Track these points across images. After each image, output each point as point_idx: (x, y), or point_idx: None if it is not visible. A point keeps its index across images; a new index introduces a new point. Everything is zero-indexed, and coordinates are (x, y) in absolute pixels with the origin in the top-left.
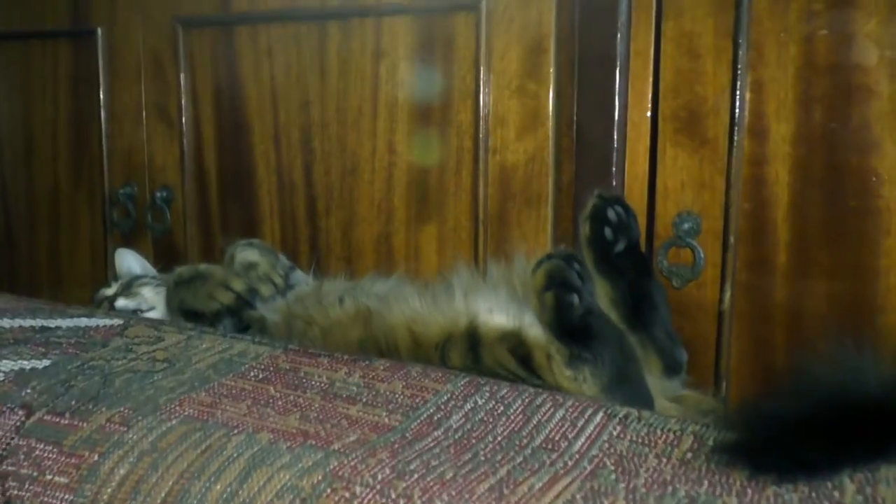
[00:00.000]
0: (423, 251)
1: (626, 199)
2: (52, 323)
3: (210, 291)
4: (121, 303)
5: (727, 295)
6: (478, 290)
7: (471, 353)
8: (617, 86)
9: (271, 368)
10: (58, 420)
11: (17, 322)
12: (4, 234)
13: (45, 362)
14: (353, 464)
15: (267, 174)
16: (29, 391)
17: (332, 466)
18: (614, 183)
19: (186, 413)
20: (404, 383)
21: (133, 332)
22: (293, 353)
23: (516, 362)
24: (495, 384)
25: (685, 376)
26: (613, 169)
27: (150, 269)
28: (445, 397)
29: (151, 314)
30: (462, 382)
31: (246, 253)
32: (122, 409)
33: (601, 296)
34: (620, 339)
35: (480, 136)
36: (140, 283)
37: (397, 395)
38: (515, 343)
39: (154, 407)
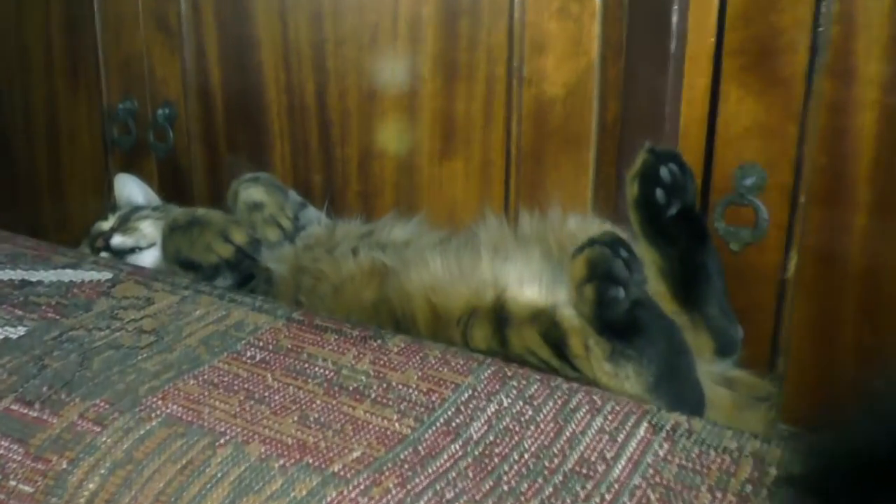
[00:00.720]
0: (448, 189)
1: (680, 145)
2: (33, 276)
3: (208, 242)
4: (117, 240)
5: (792, 262)
6: (507, 251)
7: (497, 334)
8: (675, 10)
9: (271, 346)
10: (26, 412)
11: None
12: (2, 148)
13: (21, 330)
14: (353, 496)
15: (276, 95)
16: None
17: (329, 499)
18: (666, 126)
19: (169, 410)
20: (420, 374)
21: (121, 290)
22: (296, 325)
23: (549, 349)
24: (524, 378)
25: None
26: (666, 109)
27: (154, 197)
28: (466, 394)
29: (151, 252)
30: (486, 374)
31: (251, 191)
32: (97, 400)
33: (648, 264)
34: (671, 332)
35: (514, 63)
36: (139, 217)
37: (411, 391)
38: (548, 325)
39: (133, 399)
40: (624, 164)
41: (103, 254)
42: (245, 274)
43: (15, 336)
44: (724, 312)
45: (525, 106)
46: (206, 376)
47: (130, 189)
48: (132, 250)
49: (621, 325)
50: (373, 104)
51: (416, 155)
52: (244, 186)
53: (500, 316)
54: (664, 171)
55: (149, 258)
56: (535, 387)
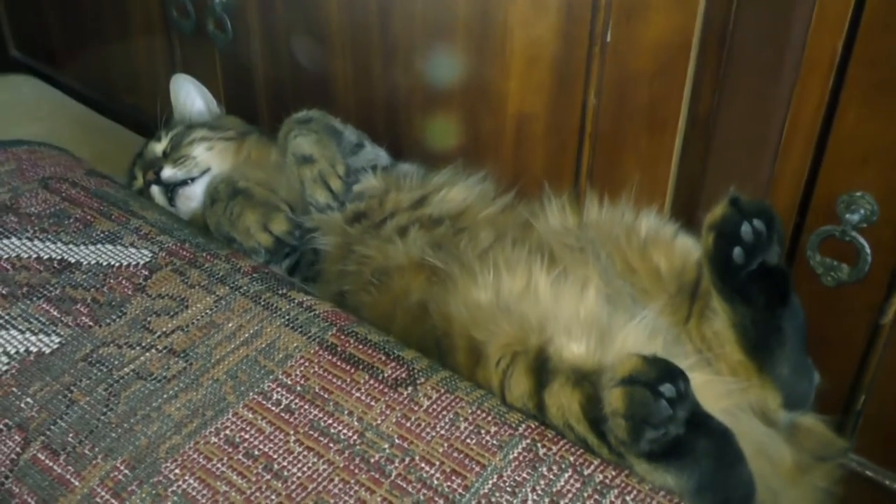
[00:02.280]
0: (518, 145)
1: (780, 161)
2: (73, 254)
3: (247, 227)
4: (168, 173)
5: (893, 307)
6: (563, 260)
7: (535, 395)
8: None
9: (299, 387)
10: (52, 465)
11: (36, 248)
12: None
13: (55, 341)
14: None
15: (338, 10)
16: (29, 401)
17: None
18: (767, 135)
19: (185, 486)
20: (446, 445)
21: (156, 283)
22: (329, 354)
23: (588, 425)
24: (555, 463)
25: None
26: (770, 113)
27: (212, 101)
28: (490, 483)
29: (202, 180)
30: (516, 453)
31: (300, 141)
32: (118, 461)
33: (718, 312)
34: (720, 447)
35: (597, 27)
36: (192, 140)
37: (434, 472)
38: (590, 398)
39: (153, 464)
40: (714, 167)
41: (154, 188)
42: (287, 255)
43: (48, 350)
44: (799, 372)
45: (606, 77)
46: (229, 431)
47: (187, 92)
48: (184, 182)
49: (661, 455)
50: (440, 37)
51: (482, 101)
52: (294, 133)
53: (541, 370)
54: (746, 229)
55: (200, 188)
56: (567, 476)
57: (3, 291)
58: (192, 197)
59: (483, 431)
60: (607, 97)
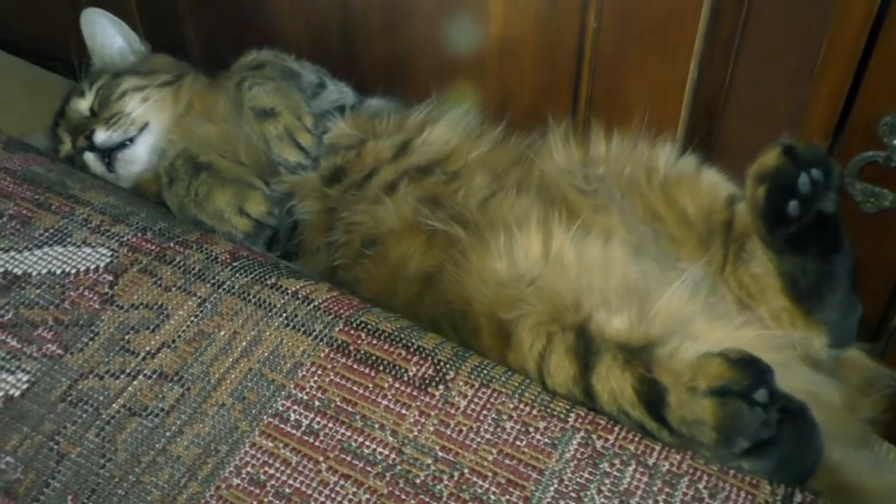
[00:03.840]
0: (507, 73)
1: (816, 82)
2: (19, 263)
3: (219, 210)
4: (101, 136)
5: None
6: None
7: (580, 379)
8: None
9: (318, 402)
10: None
11: None
12: None
13: (21, 380)
14: None
15: None
16: (10, 460)
17: None
18: (803, 50)
19: None
20: (496, 452)
21: (125, 291)
22: (342, 356)
23: (644, 409)
24: (616, 456)
25: None
26: (807, 31)
27: (134, 40)
28: (551, 489)
29: (144, 139)
30: (572, 450)
31: (258, 92)
32: None
33: (755, 256)
34: (801, 427)
35: None
36: (122, 92)
37: (488, 486)
38: (643, 378)
39: None
40: (736, 94)
41: (88, 156)
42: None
43: (17, 392)
44: (846, 312)
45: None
46: (250, 468)
47: (104, 30)
48: (122, 144)
49: (744, 454)
50: None
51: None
52: (249, 83)
53: (584, 352)
54: (803, 181)
55: (142, 148)
56: (631, 473)
57: None
58: (134, 160)
59: (531, 429)
60: (609, 18)
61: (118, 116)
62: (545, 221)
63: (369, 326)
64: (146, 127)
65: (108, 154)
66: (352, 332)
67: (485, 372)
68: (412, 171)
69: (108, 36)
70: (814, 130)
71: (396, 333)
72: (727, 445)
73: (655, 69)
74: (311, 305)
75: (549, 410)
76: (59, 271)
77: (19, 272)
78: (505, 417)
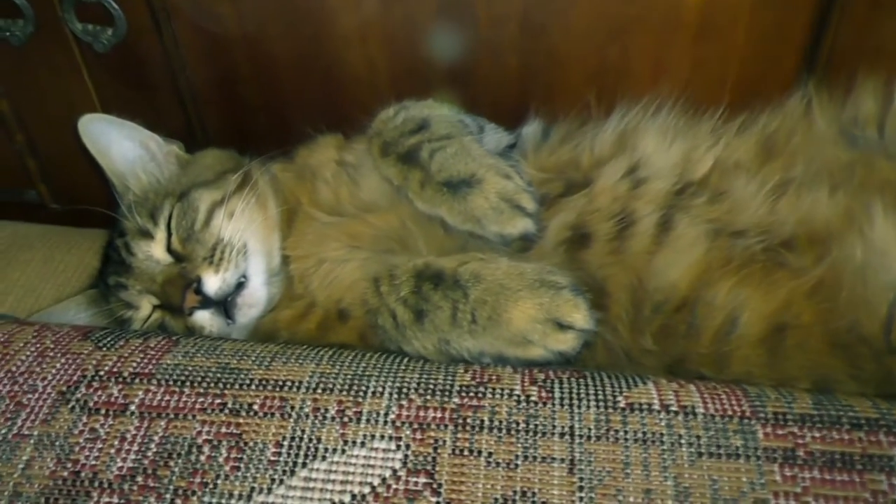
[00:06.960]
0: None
1: None
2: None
3: (520, 330)
4: (213, 284)
5: None
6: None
7: None
8: None
9: None
10: None
11: None
12: None
13: None
14: None
15: None
16: None
17: None
18: None
19: None
20: None
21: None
22: (799, 466)
23: None
24: None
25: None
26: None
27: (151, 140)
28: None
29: (253, 264)
30: None
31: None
32: None
33: None
34: None
35: None
36: (208, 214)
37: None
38: None
39: None
40: None
41: (201, 314)
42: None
43: None
44: None
45: None
46: None
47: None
48: (239, 285)
49: None
50: None
51: None
52: (427, 152)
53: None
54: None
55: (258, 280)
56: None
57: None
58: (256, 300)
59: None
60: None
61: (219, 249)
62: None
63: (790, 416)
64: (246, 251)
65: (224, 303)
66: (780, 430)
67: None
68: (669, 199)
69: (122, 147)
70: None
71: (831, 407)
72: None
73: None
74: (700, 417)
75: None
76: (348, 496)
77: None
78: None
